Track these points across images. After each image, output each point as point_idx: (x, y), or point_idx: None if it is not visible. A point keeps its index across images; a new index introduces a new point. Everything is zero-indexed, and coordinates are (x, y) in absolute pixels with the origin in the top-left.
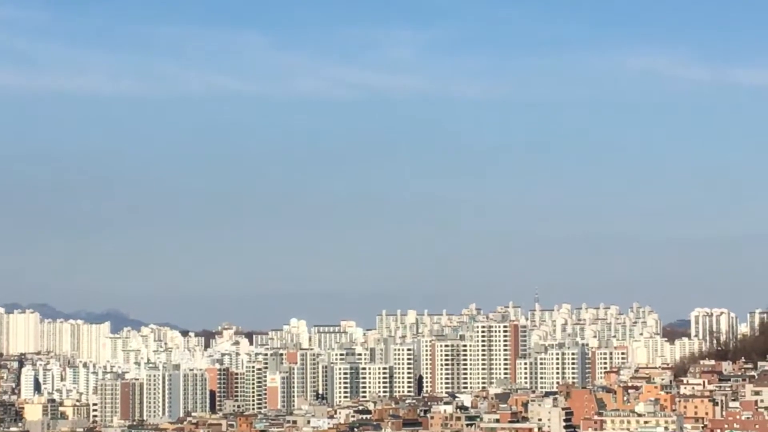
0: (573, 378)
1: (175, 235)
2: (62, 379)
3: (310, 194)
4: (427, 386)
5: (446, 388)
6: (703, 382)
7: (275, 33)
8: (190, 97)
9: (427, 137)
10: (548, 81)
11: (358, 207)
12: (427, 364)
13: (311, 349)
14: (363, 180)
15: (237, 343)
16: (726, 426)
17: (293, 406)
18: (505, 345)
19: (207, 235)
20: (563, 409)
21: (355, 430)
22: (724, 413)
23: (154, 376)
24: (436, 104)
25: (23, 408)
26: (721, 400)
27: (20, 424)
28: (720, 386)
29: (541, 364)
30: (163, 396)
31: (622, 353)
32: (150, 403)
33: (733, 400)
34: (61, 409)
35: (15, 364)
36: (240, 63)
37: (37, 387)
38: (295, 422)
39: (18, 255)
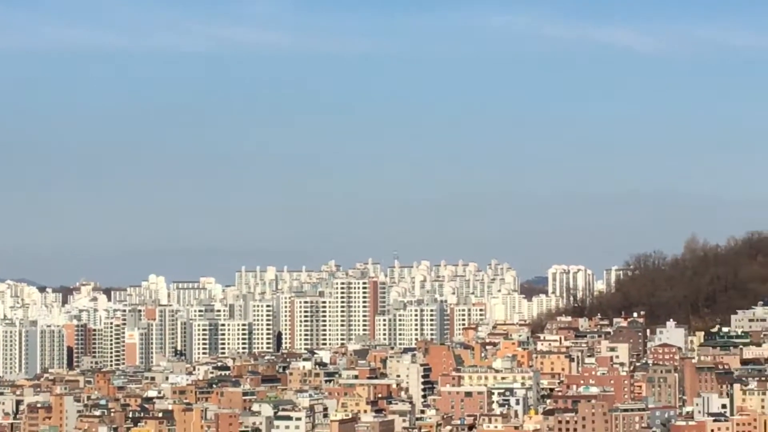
0: (431, 334)
1: (32, 189)
2: None
3: (168, 149)
4: (286, 343)
5: (305, 344)
6: (560, 338)
7: None
8: (46, 51)
9: (289, 94)
10: (411, 38)
11: (218, 164)
12: (286, 320)
13: (170, 306)
14: (222, 136)
15: (95, 299)
16: (582, 381)
17: (152, 362)
18: (364, 301)
19: (64, 190)
20: (422, 365)
21: (214, 386)
22: (580, 369)
23: (11, 332)
24: (298, 60)
25: None
26: (578, 356)
27: None
28: (576, 342)
29: (400, 320)
30: (20, 352)
31: (480, 310)
32: (6, 359)
33: (589, 356)
34: None
35: None
36: (97, 16)
37: None
38: (153, 378)
39: None
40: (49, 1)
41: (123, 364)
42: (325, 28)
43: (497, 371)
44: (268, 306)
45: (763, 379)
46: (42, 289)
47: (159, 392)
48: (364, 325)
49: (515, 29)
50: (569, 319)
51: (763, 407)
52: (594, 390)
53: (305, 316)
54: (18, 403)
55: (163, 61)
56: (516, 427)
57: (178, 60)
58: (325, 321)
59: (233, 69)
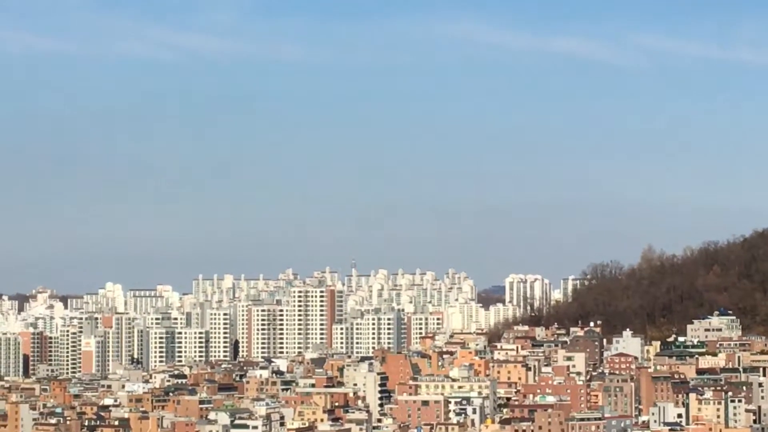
0: (389, 343)
1: None
2: None
3: (126, 156)
4: (243, 351)
5: (262, 353)
6: (517, 347)
7: None
8: (4, 56)
9: (246, 101)
10: (369, 46)
11: (176, 171)
12: (243, 328)
13: (127, 314)
14: (181, 143)
15: (51, 306)
16: (538, 391)
17: (108, 370)
18: (321, 310)
19: (21, 197)
20: (378, 374)
21: (171, 394)
22: (536, 378)
23: None
24: (257, 68)
25: None
26: (534, 366)
27: None
28: (533, 352)
29: (357, 329)
30: None
31: (438, 319)
32: None
33: (546, 365)
34: None
35: None
36: (56, 23)
37: None
38: (109, 387)
39: None
40: (13, 7)
41: (79, 372)
42: (282, 36)
43: (454, 380)
44: (225, 314)
45: (718, 388)
46: None
47: (115, 400)
48: (322, 334)
49: (469, 37)
50: (526, 328)
51: (718, 417)
52: (551, 399)
53: (262, 325)
54: None
55: (123, 68)
56: None
57: (139, 67)
58: (282, 329)
59: (194, 76)
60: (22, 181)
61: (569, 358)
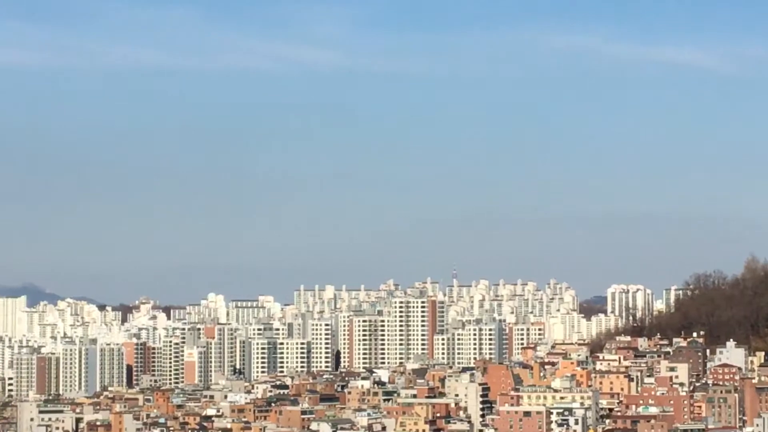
0: (490, 354)
1: (93, 208)
2: None
3: (229, 169)
4: (344, 362)
5: (364, 363)
6: (619, 358)
7: (203, 7)
8: (109, 69)
9: (347, 114)
10: (472, 57)
11: (279, 181)
12: (344, 339)
13: (229, 324)
14: (284, 155)
15: (154, 317)
16: (641, 402)
17: (210, 380)
18: (422, 320)
19: (125, 209)
20: (480, 384)
21: (273, 405)
22: (639, 389)
23: (71, 350)
24: (357, 80)
25: None
26: (637, 376)
27: None
28: (635, 362)
29: (459, 339)
30: (80, 370)
31: (539, 329)
32: (66, 377)
33: (648, 376)
34: None
35: None
36: (163, 36)
37: None
38: (212, 397)
39: None
40: (117, 21)
41: (182, 382)
42: (382, 48)
43: (556, 391)
44: (326, 325)
45: None
46: (102, 308)
47: (218, 411)
48: (423, 344)
49: (574, 47)
50: (628, 338)
51: None
52: (653, 410)
53: (364, 335)
54: (78, 421)
55: (228, 81)
56: None
57: (244, 80)
58: (383, 340)
59: (301, 88)
60: (130, 192)
61: (672, 369)
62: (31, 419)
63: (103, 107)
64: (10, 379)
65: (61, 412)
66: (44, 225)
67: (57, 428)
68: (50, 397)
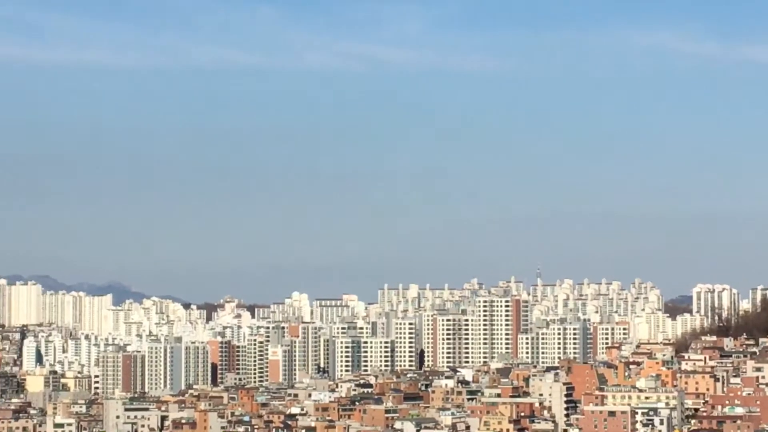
0: (574, 353)
1: (179, 208)
2: (64, 351)
3: (314, 168)
4: (428, 360)
5: (447, 362)
6: (705, 358)
7: (285, 6)
8: (198, 70)
9: (432, 112)
10: (555, 57)
11: (362, 181)
12: (428, 338)
13: (313, 323)
14: (368, 154)
15: (239, 316)
16: (727, 402)
17: (295, 379)
18: (506, 320)
19: (210, 209)
20: (564, 384)
21: (357, 403)
22: (725, 389)
23: (156, 348)
24: (443, 78)
25: (25, 379)
26: (723, 376)
27: (22, 396)
28: (721, 362)
29: (543, 339)
30: (165, 368)
31: (624, 329)
32: (151, 375)
33: (735, 376)
34: (62, 380)
35: (17, 336)
36: (250, 36)
37: (39, 359)
38: (296, 395)
39: (20, 227)
40: (205, 22)
41: (266, 380)
42: (466, 46)
43: (641, 391)
44: (410, 324)
45: None
46: (187, 306)
47: (302, 409)
48: (507, 344)
49: (662, 47)
50: (714, 338)
51: None
52: (740, 410)
53: (447, 334)
54: (163, 418)
55: (312, 80)
56: None
57: (327, 79)
58: (467, 339)
59: (382, 87)
60: (210, 193)
61: (758, 369)
62: (117, 417)
63: (191, 107)
64: (97, 377)
65: (146, 409)
66: (130, 225)
67: (142, 426)
68: (136, 395)
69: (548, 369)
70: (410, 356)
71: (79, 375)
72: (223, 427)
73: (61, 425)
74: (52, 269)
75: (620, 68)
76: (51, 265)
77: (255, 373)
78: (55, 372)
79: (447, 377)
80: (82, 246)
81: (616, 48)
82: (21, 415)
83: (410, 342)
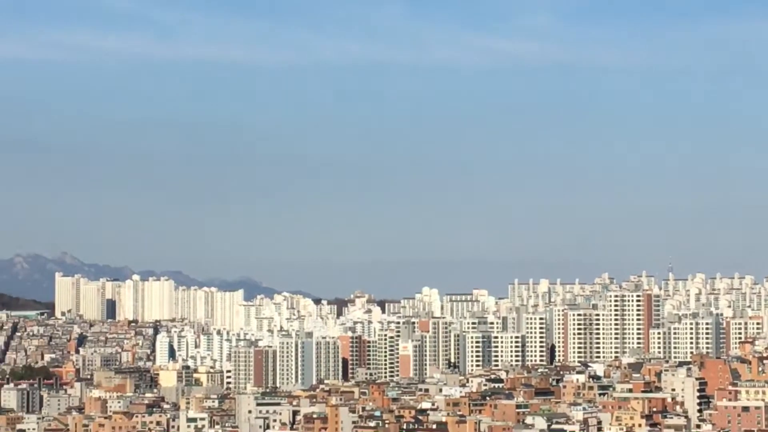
0: (707, 348)
1: (309, 203)
2: (196, 346)
3: (444, 162)
4: (559, 355)
5: (578, 357)
6: None
7: (411, 1)
8: (324, 64)
9: (562, 105)
10: (684, 49)
11: (492, 174)
12: (559, 333)
13: (443, 318)
14: (497, 147)
15: (369, 311)
16: None
17: (425, 374)
18: (638, 314)
19: (340, 203)
20: (697, 379)
21: (487, 398)
22: None
23: (287, 343)
24: (571, 72)
25: (158, 374)
26: None
27: (155, 391)
28: None
29: (675, 333)
30: (296, 363)
31: (757, 323)
32: (283, 370)
33: None
34: (195, 375)
35: (150, 331)
36: (375, 30)
37: (172, 354)
38: (427, 390)
39: (154, 225)
40: (328, 16)
41: (397, 375)
42: (598, 39)
43: None
44: (541, 318)
45: None
46: (317, 301)
47: (433, 404)
48: (638, 338)
49: None
50: None
51: None
52: None
53: (578, 329)
54: (294, 413)
55: (440, 75)
56: None
57: (455, 73)
58: (598, 334)
59: (511, 81)
60: (341, 188)
61: None
62: (249, 411)
63: (314, 101)
64: (229, 372)
65: (278, 404)
66: (261, 220)
67: (274, 420)
68: (267, 390)
69: (680, 364)
70: (541, 351)
71: (211, 370)
72: (354, 422)
73: (194, 420)
74: (184, 265)
75: (748, 57)
76: (183, 261)
77: (385, 368)
78: (187, 367)
79: (578, 372)
80: (213, 242)
81: (745, 39)
82: (155, 409)
83: (541, 337)
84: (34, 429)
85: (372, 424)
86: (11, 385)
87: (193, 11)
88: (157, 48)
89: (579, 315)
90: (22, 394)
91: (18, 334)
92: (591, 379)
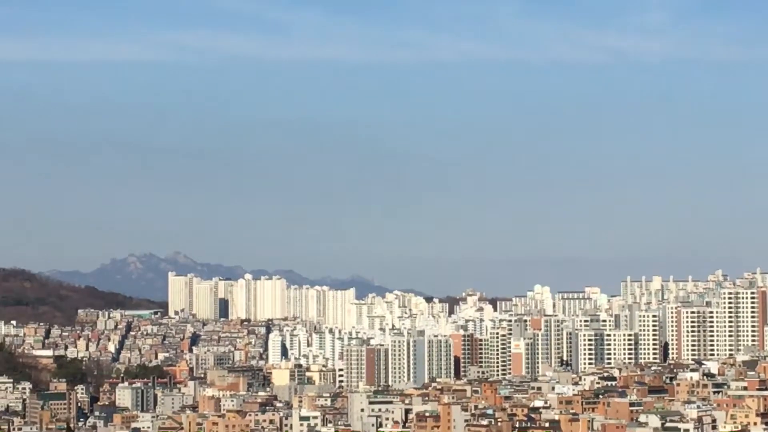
0: None
1: (420, 201)
2: (308, 344)
3: (552, 158)
4: (672, 353)
5: (692, 355)
6: None
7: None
8: (439, 63)
9: (677, 101)
10: None
11: (602, 171)
12: (672, 330)
13: (555, 316)
14: (608, 144)
15: (481, 309)
16: None
17: (537, 372)
18: (752, 312)
19: (452, 202)
20: None
21: (600, 396)
22: None
23: (399, 342)
24: (686, 68)
25: (271, 373)
26: None
27: (268, 389)
28: None
29: None
30: (408, 362)
31: None
32: (395, 368)
33: None
34: (307, 374)
35: (263, 330)
36: (489, 29)
37: (284, 352)
38: (539, 388)
39: (265, 223)
40: (442, 14)
41: (509, 374)
42: (710, 35)
43: None
44: (653, 316)
45: None
46: (429, 300)
47: (545, 402)
48: (753, 336)
49: None
50: None
51: None
52: None
53: (692, 327)
54: (407, 411)
55: (555, 72)
56: None
57: (570, 70)
58: (712, 331)
59: (624, 78)
60: (448, 185)
61: None
62: (362, 410)
63: (427, 100)
64: (341, 370)
65: (390, 402)
66: (373, 219)
67: (387, 419)
68: (380, 389)
69: None
70: (654, 349)
71: (323, 368)
72: (466, 420)
73: (306, 418)
74: (296, 264)
75: None
76: (295, 260)
77: (497, 367)
78: (300, 365)
79: (692, 370)
80: (325, 241)
81: None
82: (267, 408)
83: (654, 334)
84: (148, 427)
85: (484, 422)
86: (126, 383)
87: (302, 9)
88: (270, 48)
89: (692, 312)
90: (136, 393)
91: (132, 333)
92: (705, 377)
